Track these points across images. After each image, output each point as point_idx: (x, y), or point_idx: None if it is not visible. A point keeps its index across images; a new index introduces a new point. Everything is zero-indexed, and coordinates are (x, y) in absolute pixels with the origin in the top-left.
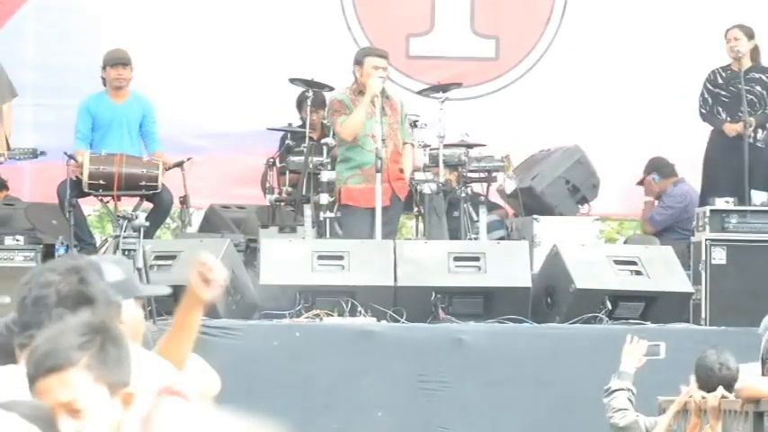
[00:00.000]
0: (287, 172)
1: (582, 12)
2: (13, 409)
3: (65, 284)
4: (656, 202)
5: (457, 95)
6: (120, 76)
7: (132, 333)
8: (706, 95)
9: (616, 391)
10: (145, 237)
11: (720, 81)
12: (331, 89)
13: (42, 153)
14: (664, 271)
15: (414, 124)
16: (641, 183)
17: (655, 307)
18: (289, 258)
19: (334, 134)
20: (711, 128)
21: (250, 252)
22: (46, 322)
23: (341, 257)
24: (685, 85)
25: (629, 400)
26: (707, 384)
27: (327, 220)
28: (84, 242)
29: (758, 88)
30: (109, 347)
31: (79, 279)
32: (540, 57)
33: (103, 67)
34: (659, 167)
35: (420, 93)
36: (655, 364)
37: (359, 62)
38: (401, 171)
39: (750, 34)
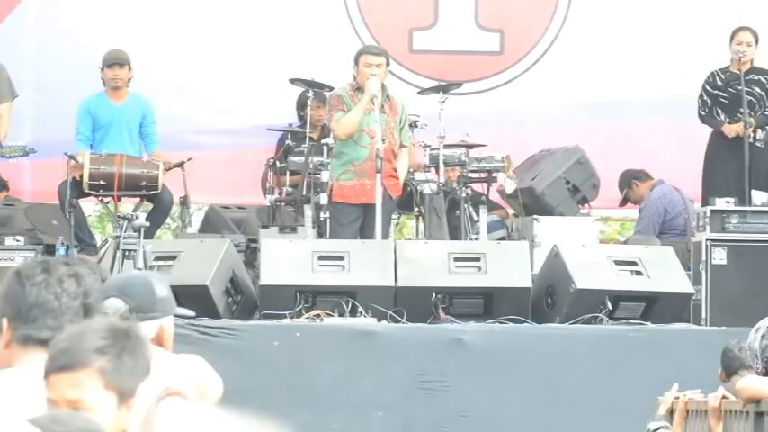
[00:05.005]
0: (287, 172)
1: (587, 5)
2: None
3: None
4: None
5: (460, 90)
6: (116, 77)
7: (166, 345)
8: (705, 97)
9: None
10: (145, 237)
11: (719, 83)
12: (331, 89)
13: (32, 150)
14: (664, 271)
15: (414, 124)
16: (623, 204)
17: (655, 307)
18: (289, 258)
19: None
20: (710, 129)
21: (250, 252)
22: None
23: (341, 258)
24: (689, 83)
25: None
26: (733, 369)
27: (327, 221)
28: (85, 242)
29: (757, 90)
30: (126, 355)
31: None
32: (545, 51)
33: (101, 68)
34: (634, 178)
35: (421, 93)
36: (654, 364)
37: (355, 61)
38: (395, 170)
39: (758, 39)
